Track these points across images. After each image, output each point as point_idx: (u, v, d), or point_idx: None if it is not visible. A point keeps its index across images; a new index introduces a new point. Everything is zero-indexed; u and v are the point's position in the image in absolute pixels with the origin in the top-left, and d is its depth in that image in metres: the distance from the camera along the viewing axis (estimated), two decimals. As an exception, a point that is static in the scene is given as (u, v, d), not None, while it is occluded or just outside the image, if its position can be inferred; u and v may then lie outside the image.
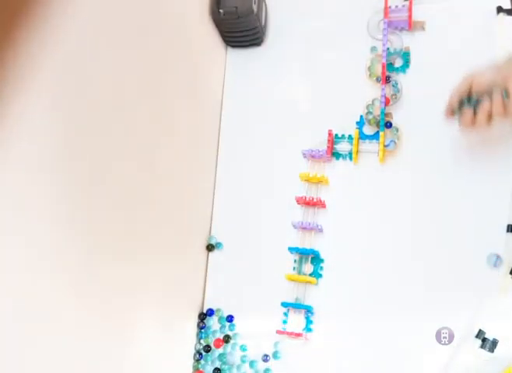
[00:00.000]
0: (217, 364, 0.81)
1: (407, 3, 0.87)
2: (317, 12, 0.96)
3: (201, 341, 0.83)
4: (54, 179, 0.51)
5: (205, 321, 0.84)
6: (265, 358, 0.79)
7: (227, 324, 0.83)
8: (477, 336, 0.71)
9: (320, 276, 0.81)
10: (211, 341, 0.82)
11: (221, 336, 0.82)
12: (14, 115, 0.45)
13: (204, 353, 0.82)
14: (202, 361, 0.82)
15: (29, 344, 0.48)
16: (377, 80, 0.87)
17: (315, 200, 0.83)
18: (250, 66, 0.97)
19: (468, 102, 0.68)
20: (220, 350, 0.82)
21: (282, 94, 0.93)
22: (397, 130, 0.83)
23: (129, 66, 0.65)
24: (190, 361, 0.83)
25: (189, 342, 0.83)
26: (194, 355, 0.83)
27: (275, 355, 0.79)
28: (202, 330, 0.84)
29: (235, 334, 0.82)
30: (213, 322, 0.84)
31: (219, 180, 0.93)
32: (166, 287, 0.76)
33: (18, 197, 0.46)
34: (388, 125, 0.84)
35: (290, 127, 0.91)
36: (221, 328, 0.83)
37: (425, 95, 0.84)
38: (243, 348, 0.81)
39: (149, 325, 0.71)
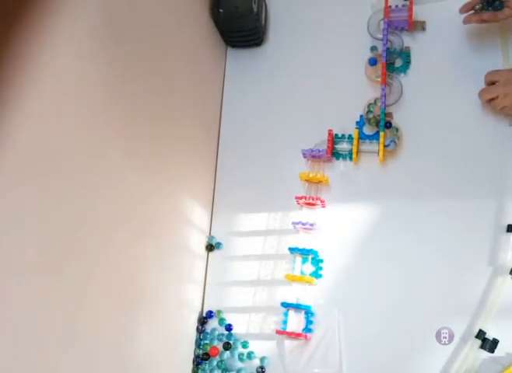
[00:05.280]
0: (216, 372, 0.80)
1: (407, 3, 0.87)
2: (317, 11, 0.96)
3: (200, 347, 0.82)
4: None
5: (205, 326, 0.83)
6: (260, 371, 0.78)
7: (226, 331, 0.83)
8: (477, 336, 0.71)
9: (320, 276, 0.81)
10: (209, 348, 0.81)
11: (219, 344, 0.81)
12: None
13: (203, 362, 0.81)
14: (200, 371, 0.81)
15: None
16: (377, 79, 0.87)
17: (315, 200, 0.83)
18: (250, 66, 0.98)
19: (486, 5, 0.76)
20: (217, 358, 0.81)
21: (281, 94, 0.94)
22: (397, 130, 0.83)
23: (128, 66, 0.65)
24: (189, 366, 0.82)
25: (189, 345, 0.82)
26: (194, 360, 0.82)
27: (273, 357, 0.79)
28: (201, 335, 0.83)
29: (235, 341, 0.81)
30: (213, 326, 0.83)
31: (219, 180, 0.93)
32: (165, 288, 0.75)
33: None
34: (388, 125, 0.83)
35: (290, 127, 0.91)
36: (219, 335, 0.82)
37: (425, 95, 0.85)
38: (244, 345, 0.81)
39: (148, 328, 0.70)
